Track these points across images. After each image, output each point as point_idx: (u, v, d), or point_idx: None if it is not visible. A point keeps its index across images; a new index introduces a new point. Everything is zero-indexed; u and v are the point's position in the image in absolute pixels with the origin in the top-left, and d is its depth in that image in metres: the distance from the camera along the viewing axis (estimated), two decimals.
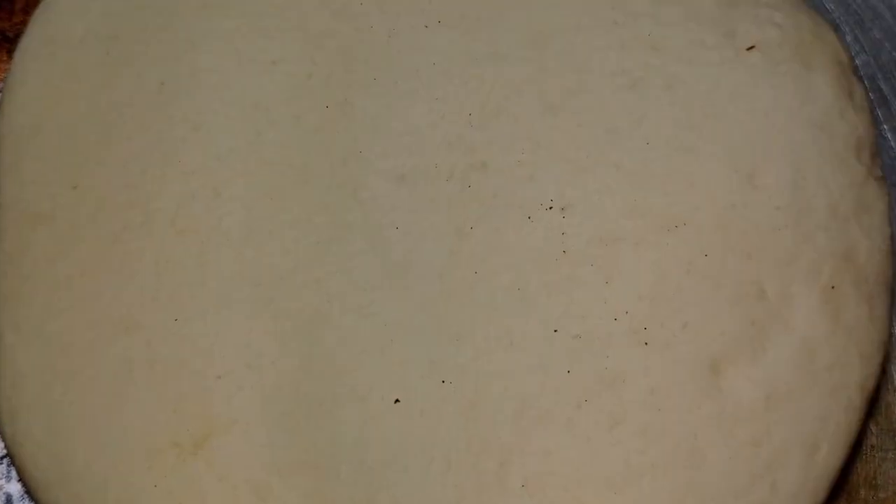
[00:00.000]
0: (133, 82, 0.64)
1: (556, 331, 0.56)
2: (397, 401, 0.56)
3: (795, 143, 0.58)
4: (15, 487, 0.65)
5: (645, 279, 0.56)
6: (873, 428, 0.64)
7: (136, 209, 0.61)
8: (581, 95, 0.60)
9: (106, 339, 0.58)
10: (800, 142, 0.58)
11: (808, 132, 0.59)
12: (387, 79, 0.62)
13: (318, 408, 0.56)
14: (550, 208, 0.58)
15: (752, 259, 0.56)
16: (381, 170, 0.60)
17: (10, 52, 0.73)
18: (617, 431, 0.54)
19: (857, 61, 0.70)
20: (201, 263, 0.59)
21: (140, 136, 0.62)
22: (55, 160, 0.63)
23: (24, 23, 0.72)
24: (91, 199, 0.61)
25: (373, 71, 0.63)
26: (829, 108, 0.59)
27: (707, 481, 0.54)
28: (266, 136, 0.62)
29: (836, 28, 0.70)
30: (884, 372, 0.60)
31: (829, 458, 0.55)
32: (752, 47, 0.60)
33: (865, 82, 0.69)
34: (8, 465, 0.65)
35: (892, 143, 0.69)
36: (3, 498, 0.65)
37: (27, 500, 0.65)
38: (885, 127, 0.70)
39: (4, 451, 0.64)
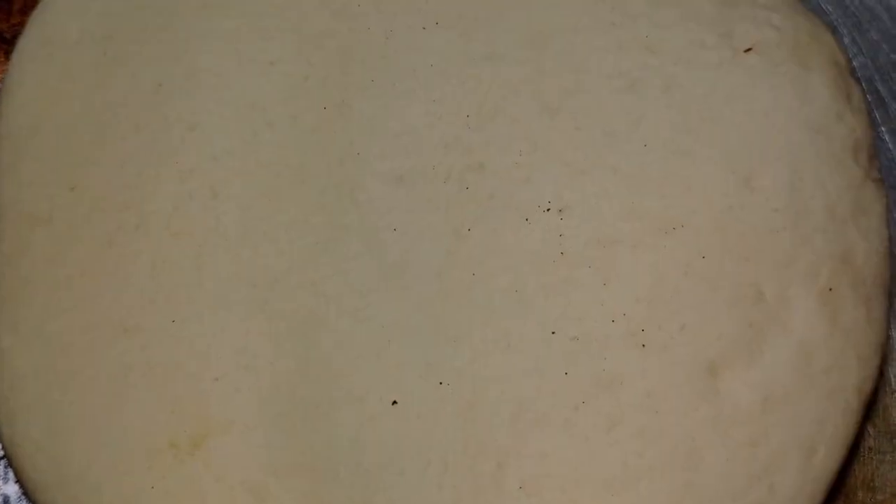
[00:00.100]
0: (129, 82, 0.64)
1: (553, 333, 0.56)
2: (394, 403, 0.56)
3: (793, 144, 0.58)
4: (13, 489, 0.65)
5: (642, 281, 0.56)
6: (871, 430, 0.63)
7: (132, 210, 0.61)
8: (579, 96, 0.60)
9: (104, 340, 0.58)
10: (797, 144, 0.58)
11: (805, 134, 0.58)
12: (384, 79, 0.62)
13: (314, 409, 0.56)
14: (548, 210, 0.58)
15: (750, 261, 0.56)
16: (379, 171, 0.60)
17: (7, 54, 0.73)
18: (614, 433, 0.54)
19: (854, 63, 0.69)
20: (198, 265, 0.59)
21: (136, 137, 0.62)
22: (53, 161, 0.63)
23: (21, 24, 0.71)
24: (89, 200, 0.61)
25: (370, 72, 0.62)
26: (826, 110, 0.59)
27: (704, 483, 0.54)
28: (263, 136, 0.62)
29: (834, 30, 0.70)
30: (881, 374, 0.60)
31: (826, 460, 0.55)
32: (749, 49, 0.60)
33: (863, 84, 0.69)
34: (5, 467, 0.65)
35: (890, 145, 0.69)
36: (1, 499, 0.65)
37: (25, 501, 0.64)
38: (883, 129, 0.69)
39: (2, 453, 0.64)
